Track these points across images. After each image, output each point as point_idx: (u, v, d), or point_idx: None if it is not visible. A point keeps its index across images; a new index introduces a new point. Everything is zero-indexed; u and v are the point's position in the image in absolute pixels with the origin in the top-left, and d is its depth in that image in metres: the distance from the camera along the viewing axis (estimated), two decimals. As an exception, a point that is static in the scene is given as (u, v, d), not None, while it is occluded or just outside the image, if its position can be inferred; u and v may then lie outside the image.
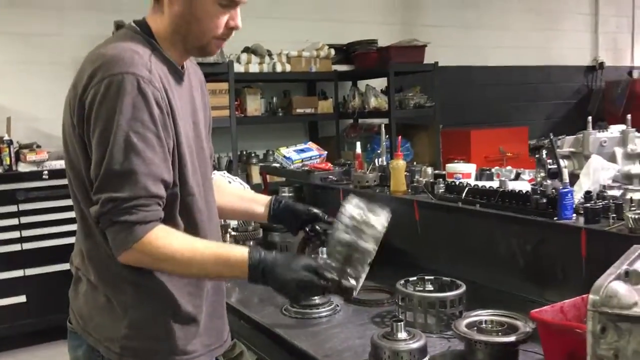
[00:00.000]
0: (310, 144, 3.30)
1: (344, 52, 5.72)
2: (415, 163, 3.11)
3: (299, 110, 5.29)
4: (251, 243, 2.45)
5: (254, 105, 5.08)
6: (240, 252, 1.35)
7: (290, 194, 3.12)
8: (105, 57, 1.30)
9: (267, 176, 3.53)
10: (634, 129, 2.13)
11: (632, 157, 2.10)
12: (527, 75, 7.17)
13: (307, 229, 1.78)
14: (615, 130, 2.18)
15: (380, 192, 2.53)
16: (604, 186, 1.86)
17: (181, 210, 1.41)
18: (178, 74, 1.44)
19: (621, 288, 0.98)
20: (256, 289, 2.14)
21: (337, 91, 5.54)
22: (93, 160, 1.29)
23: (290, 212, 1.79)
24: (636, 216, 1.52)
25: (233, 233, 2.43)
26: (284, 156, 3.13)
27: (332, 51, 5.48)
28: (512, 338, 1.46)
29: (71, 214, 4.08)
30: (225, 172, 3.08)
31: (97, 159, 1.28)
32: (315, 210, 1.79)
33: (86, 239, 1.39)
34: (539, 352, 1.50)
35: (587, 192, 1.78)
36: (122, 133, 1.26)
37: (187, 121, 1.44)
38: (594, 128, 7.25)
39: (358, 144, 2.91)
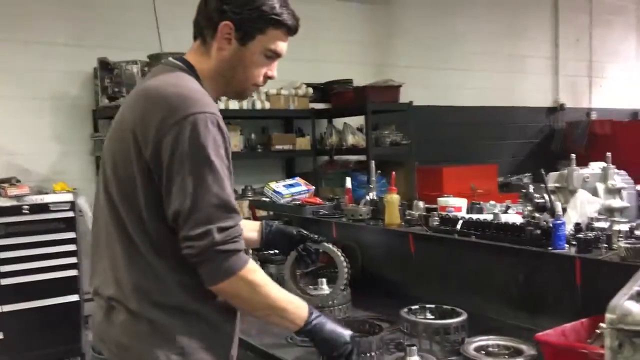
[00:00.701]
0: (299, 179, 3.39)
1: (321, 91, 5.88)
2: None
3: (277, 147, 5.39)
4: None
5: (234, 141, 5.15)
6: (302, 302, 1.50)
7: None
8: (181, 96, 1.38)
9: (255, 210, 3.59)
10: (614, 166, 2.29)
11: (612, 191, 2.25)
12: (494, 115, 7.45)
13: (300, 249, 1.91)
14: (596, 167, 2.34)
15: (374, 224, 2.63)
16: (592, 218, 2.00)
17: None
18: None
19: (634, 307, 1.08)
20: (254, 321, 2.20)
21: (315, 128, 5.68)
22: (180, 194, 1.34)
23: (282, 234, 1.92)
24: (629, 246, 1.65)
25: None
26: (274, 190, 3.20)
27: (310, 90, 5.63)
28: (519, 359, 1.56)
29: (52, 249, 4.10)
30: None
31: (188, 193, 1.33)
32: (305, 232, 1.94)
33: (134, 267, 1.43)
34: (542, 374, 1.59)
35: (577, 224, 1.92)
36: (215, 167, 1.35)
37: None
38: (558, 166, 7.54)
39: (348, 179, 3.01)
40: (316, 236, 1.95)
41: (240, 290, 1.40)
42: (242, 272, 1.38)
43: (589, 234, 1.83)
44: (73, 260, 4.21)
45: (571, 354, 1.44)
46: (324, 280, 2.29)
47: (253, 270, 1.41)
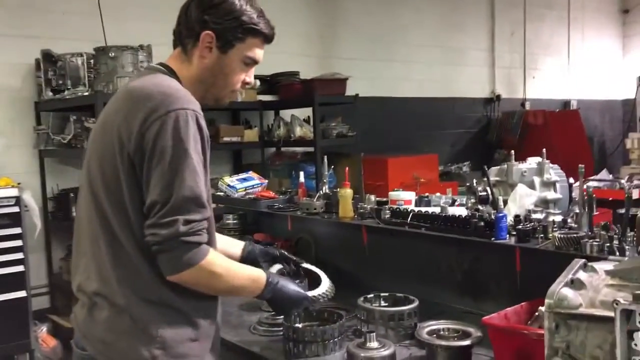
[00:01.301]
0: (252, 173, 3.47)
1: (268, 83, 5.94)
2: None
3: (225, 139, 5.41)
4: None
5: (182, 133, 5.16)
6: (260, 273, 1.63)
7: (235, 221, 3.27)
8: (163, 94, 1.46)
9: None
10: (548, 161, 2.49)
11: (547, 184, 2.45)
12: (433, 106, 7.69)
13: (284, 265, 2.02)
14: (533, 161, 2.53)
15: (328, 218, 2.75)
16: (529, 210, 2.18)
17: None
18: None
19: (570, 293, 1.24)
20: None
21: (262, 120, 5.74)
22: (158, 185, 1.42)
23: (265, 252, 2.01)
24: (562, 236, 1.82)
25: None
26: (228, 185, 3.27)
27: (257, 82, 5.67)
28: (467, 342, 1.71)
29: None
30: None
31: (165, 184, 1.41)
32: (287, 254, 2.08)
33: (118, 264, 1.49)
34: (487, 354, 1.76)
35: (517, 216, 2.09)
36: (192, 162, 1.43)
37: None
38: (494, 156, 7.82)
39: (302, 173, 3.13)
40: (297, 258, 2.08)
41: (200, 279, 1.49)
42: (202, 264, 1.46)
43: (527, 225, 2.00)
44: (19, 256, 4.13)
45: (514, 334, 1.60)
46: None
47: (213, 262, 1.50)
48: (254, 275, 1.65)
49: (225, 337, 2.08)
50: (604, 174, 5.99)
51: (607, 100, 10.09)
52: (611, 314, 1.15)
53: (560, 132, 8.12)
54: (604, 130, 10.13)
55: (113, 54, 4.13)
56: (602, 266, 1.34)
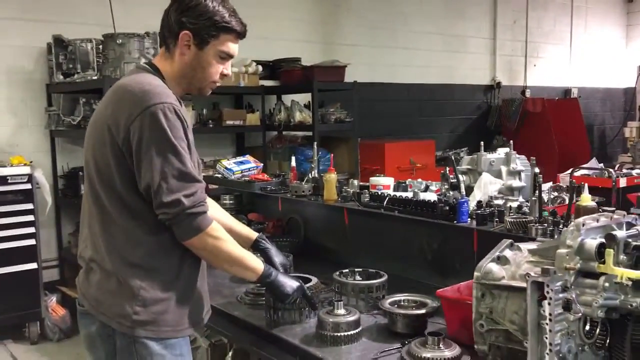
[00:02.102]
0: (248, 157, 3.70)
1: (270, 68, 6.14)
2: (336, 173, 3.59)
3: (228, 122, 5.64)
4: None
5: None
6: (258, 259, 1.90)
7: (231, 201, 3.51)
8: (143, 91, 1.70)
9: (209, 185, 3.87)
10: (515, 152, 2.70)
11: (513, 173, 2.66)
12: (434, 92, 7.87)
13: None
14: (501, 152, 2.74)
15: (315, 200, 2.98)
16: (491, 197, 2.40)
17: None
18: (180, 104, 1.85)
19: (494, 267, 1.47)
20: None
21: (264, 105, 5.96)
22: (149, 170, 1.66)
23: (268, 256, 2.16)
24: (512, 220, 2.05)
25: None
26: (226, 167, 3.51)
27: (260, 67, 5.89)
28: (422, 311, 1.95)
29: (11, 219, 4.28)
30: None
31: (156, 169, 1.66)
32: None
33: (107, 234, 1.76)
34: (442, 323, 1.99)
35: (479, 202, 2.32)
36: (175, 147, 1.67)
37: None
38: (492, 141, 7.96)
39: (293, 158, 3.35)
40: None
41: (206, 244, 1.74)
42: (208, 230, 1.73)
43: (486, 210, 2.23)
44: (31, 230, 4.41)
45: (460, 305, 1.83)
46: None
47: (217, 229, 1.76)
48: (253, 256, 1.89)
49: (215, 305, 2.33)
50: (593, 163, 6.17)
51: (608, 88, 10.21)
52: (525, 285, 1.38)
53: (558, 120, 8.28)
54: (604, 119, 10.27)
55: (120, 40, 4.35)
56: (527, 246, 1.56)
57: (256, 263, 1.89)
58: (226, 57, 1.86)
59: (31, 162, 4.53)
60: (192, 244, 1.74)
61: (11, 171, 4.33)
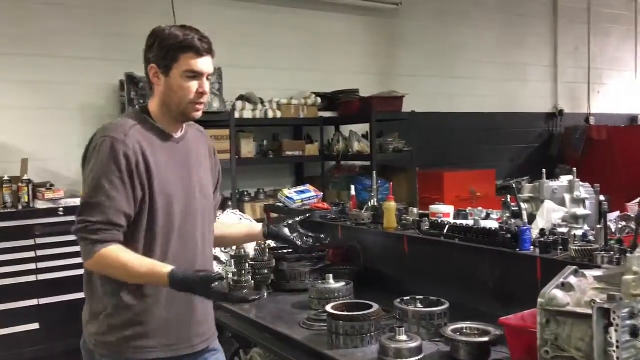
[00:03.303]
0: (309, 186, 3.78)
1: (329, 100, 6.27)
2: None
3: (288, 153, 5.78)
4: (265, 271, 2.89)
5: (248, 148, 5.55)
6: (165, 270, 1.83)
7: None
8: (103, 127, 1.93)
9: (270, 213, 3.98)
10: (579, 179, 2.66)
11: (577, 201, 2.62)
12: (494, 121, 7.80)
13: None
14: (564, 180, 2.71)
15: (374, 228, 3.02)
16: (555, 225, 2.37)
17: (147, 237, 1.91)
18: (166, 137, 1.98)
19: (559, 294, 1.46)
20: (270, 310, 2.64)
21: (323, 135, 6.07)
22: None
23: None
24: (577, 248, 2.02)
25: (251, 262, 2.86)
26: (287, 196, 3.60)
27: (319, 99, 6.02)
28: (486, 338, 1.94)
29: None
30: (237, 210, 3.53)
31: (83, 193, 1.88)
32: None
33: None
34: (505, 351, 1.97)
35: (542, 230, 2.29)
36: (97, 177, 1.84)
37: (171, 171, 1.96)
38: (555, 170, 7.77)
39: (353, 187, 3.40)
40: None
41: (97, 269, 1.87)
42: (95, 257, 1.81)
43: (550, 238, 2.20)
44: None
45: (525, 333, 1.81)
46: (331, 276, 2.66)
47: (106, 257, 1.81)
48: (156, 270, 1.84)
49: (278, 330, 2.40)
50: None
51: (678, 115, 9.84)
52: (591, 311, 1.37)
53: (624, 148, 8.01)
54: (674, 146, 9.86)
55: (187, 76, 4.55)
56: (592, 273, 1.55)
57: (160, 273, 1.83)
58: (193, 75, 1.91)
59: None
60: (87, 266, 1.88)
61: (85, 201, 4.55)
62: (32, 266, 4.39)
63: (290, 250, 3.08)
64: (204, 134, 2.20)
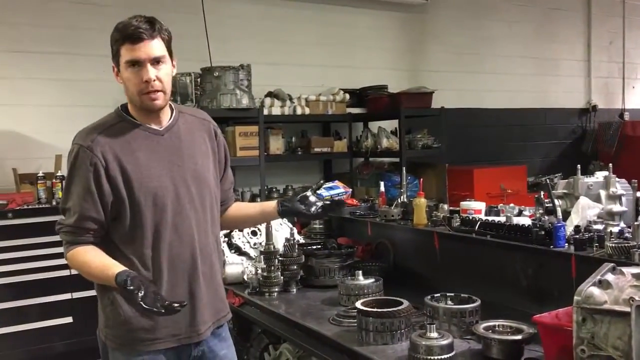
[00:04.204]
0: (337, 182, 3.74)
1: (357, 96, 6.24)
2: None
3: (316, 150, 5.77)
4: (294, 267, 2.89)
5: (276, 144, 5.56)
6: (115, 271, 1.83)
7: (320, 225, 3.58)
8: (79, 131, 1.98)
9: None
10: (614, 175, 2.60)
11: (613, 198, 2.56)
12: (525, 117, 7.68)
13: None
14: (599, 175, 2.64)
15: (404, 224, 2.99)
16: (590, 222, 2.32)
17: (137, 233, 1.95)
18: (146, 131, 1.98)
19: (596, 291, 1.43)
20: (298, 307, 2.64)
21: (351, 132, 6.05)
22: None
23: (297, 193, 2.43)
24: (613, 245, 1.97)
25: (280, 258, 2.87)
26: (316, 192, 3.57)
27: (347, 96, 6.00)
28: (519, 337, 1.91)
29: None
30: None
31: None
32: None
33: None
34: (539, 350, 1.93)
35: (577, 226, 2.25)
36: (67, 184, 1.96)
37: (154, 166, 1.96)
38: (588, 166, 7.63)
39: (382, 183, 3.38)
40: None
41: (72, 267, 1.98)
42: (67, 257, 1.96)
43: (585, 235, 2.16)
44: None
45: (559, 331, 1.78)
46: (360, 272, 2.65)
47: (71, 258, 1.94)
48: (109, 272, 1.84)
49: (307, 325, 2.39)
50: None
51: None
52: (629, 309, 1.34)
53: (661, 143, 7.83)
54: None
55: (217, 73, 4.60)
56: (631, 270, 1.51)
57: (109, 275, 1.83)
58: (132, 64, 1.89)
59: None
60: (67, 261, 1.98)
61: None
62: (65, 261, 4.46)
63: (320, 247, 3.08)
64: (200, 117, 2.17)
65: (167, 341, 1.98)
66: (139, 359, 1.97)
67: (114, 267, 1.87)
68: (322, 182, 2.49)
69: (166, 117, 2.03)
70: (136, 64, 1.88)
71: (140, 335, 1.96)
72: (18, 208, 4.41)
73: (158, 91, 1.91)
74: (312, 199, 2.41)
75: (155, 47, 1.91)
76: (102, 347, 2.07)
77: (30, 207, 4.46)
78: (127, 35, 1.88)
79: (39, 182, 4.56)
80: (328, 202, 2.42)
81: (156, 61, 1.91)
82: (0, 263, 4.31)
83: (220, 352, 2.13)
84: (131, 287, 1.76)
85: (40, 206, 4.51)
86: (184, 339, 2.02)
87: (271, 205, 2.36)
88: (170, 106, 2.07)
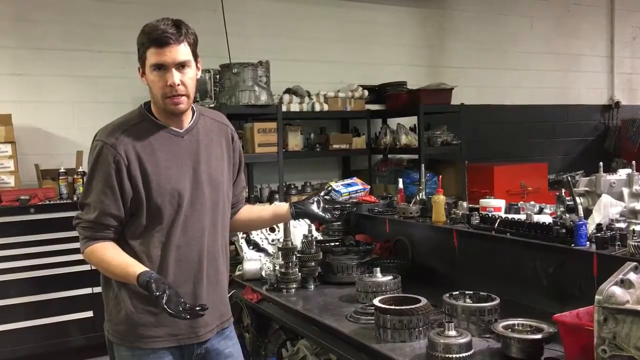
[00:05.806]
0: (356, 179, 3.74)
1: (376, 93, 6.22)
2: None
3: (335, 146, 5.77)
4: (312, 264, 2.89)
5: (295, 141, 5.56)
6: (137, 271, 1.87)
7: (338, 223, 3.57)
8: (102, 127, 2.01)
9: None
10: (638, 173, 2.55)
11: (636, 195, 2.52)
12: (546, 113, 7.60)
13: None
14: (622, 173, 2.60)
15: (423, 222, 2.97)
16: (612, 220, 2.28)
17: (149, 231, 1.98)
18: (168, 132, 1.99)
19: (617, 290, 1.41)
20: (315, 304, 2.64)
21: (370, 128, 6.03)
22: None
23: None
24: (636, 243, 1.94)
25: (298, 255, 2.87)
26: (334, 189, 3.58)
27: (366, 92, 5.98)
28: (539, 336, 1.89)
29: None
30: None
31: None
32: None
33: None
34: (559, 350, 1.91)
35: (598, 225, 2.21)
36: (89, 179, 1.98)
37: (173, 168, 1.99)
38: (611, 164, 7.54)
39: (400, 180, 3.36)
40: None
41: (89, 263, 2.02)
42: (85, 253, 1.99)
43: (607, 233, 2.12)
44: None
45: (580, 331, 1.75)
46: (378, 269, 2.64)
47: (90, 254, 1.97)
48: (130, 270, 1.88)
49: (325, 322, 2.39)
50: None
51: None
52: (652, 310, 1.31)
53: (686, 141, 7.70)
54: None
55: (236, 70, 4.61)
56: (654, 270, 1.48)
57: (129, 273, 1.87)
58: (157, 68, 1.90)
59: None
60: (84, 256, 2.00)
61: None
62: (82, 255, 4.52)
63: (338, 243, 3.07)
64: (220, 120, 2.18)
65: (167, 340, 2.01)
66: (142, 353, 1.99)
67: (135, 266, 1.90)
68: (329, 187, 2.50)
69: (187, 119, 2.05)
70: (161, 67, 1.90)
71: (141, 332, 1.98)
72: (40, 203, 4.47)
73: (182, 95, 1.93)
74: (326, 200, 2.41)
75: (181, 51, 1.91)
76: (107, 341, 2.11)
77: (52, 202, 4.53)
78: (153, 38, 1.90)
79: (60, 177, 4.63)
80: (344, 206, 2.42)
81: (181, 65, 1.92)
82: (22, 258, 4.39)
83: (225, 351, 2.15)
84: (157, 293, 1.78)
85: (62, 202, 4.57)
86: (183, 340, 2.04)
87: (284, 208, 2.38)
88: (192, 108, 2.08)
